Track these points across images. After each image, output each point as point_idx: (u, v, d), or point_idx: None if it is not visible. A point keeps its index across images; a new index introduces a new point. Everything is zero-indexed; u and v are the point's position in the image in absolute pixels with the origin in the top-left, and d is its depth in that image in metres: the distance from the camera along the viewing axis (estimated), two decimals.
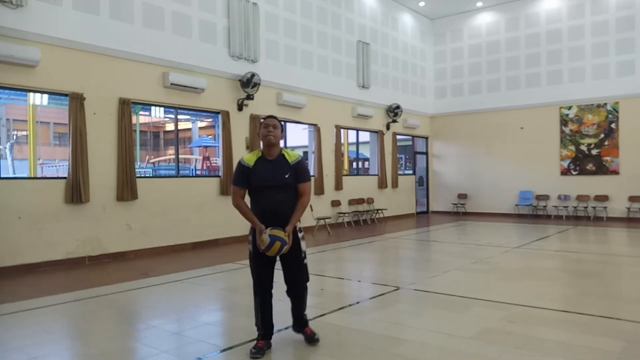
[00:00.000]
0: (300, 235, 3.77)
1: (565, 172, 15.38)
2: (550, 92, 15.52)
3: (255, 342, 3.80)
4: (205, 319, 4.89)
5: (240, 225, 10.77)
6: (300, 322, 3.96)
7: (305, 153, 19.77)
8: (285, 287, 3.88)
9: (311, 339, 3.87)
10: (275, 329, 4.44)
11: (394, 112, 15.43)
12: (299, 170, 3.71)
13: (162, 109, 12.50)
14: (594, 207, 14.67)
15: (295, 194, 3.72)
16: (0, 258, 7.14)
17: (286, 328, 4.40)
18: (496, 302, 5.14)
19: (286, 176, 3.63)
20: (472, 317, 4.64)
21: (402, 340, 4.01)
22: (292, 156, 3.74)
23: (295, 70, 12.20)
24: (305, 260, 3.82)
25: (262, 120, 3.78)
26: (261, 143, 3.73)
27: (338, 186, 13.58)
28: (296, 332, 4.00)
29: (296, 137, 15.41)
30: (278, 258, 3.76)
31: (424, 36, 17.66)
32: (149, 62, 9.06)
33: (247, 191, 3.75)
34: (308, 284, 3.90)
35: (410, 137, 17.68)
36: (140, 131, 17.05)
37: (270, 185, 3.63)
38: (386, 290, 5.88)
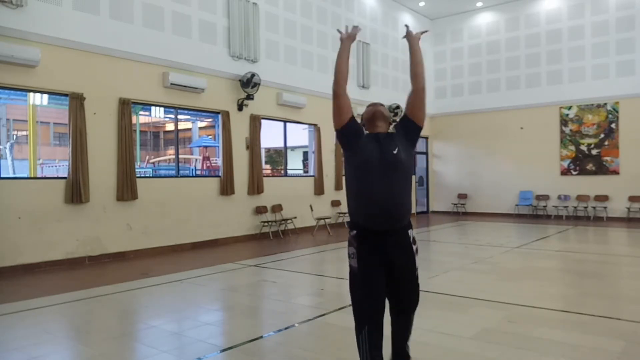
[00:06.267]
0: (415, 247, 2.94)
1: (565, 172, 15.38)
2: (550, 92, 15.52)
3: None
4: (205, 319, 4.89)
5: (240, 225, 10.78)
6: (401, 356, 3.07)
7: (305, 153, 19.76)
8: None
9: None
10: (274, 329, 4.43)
11: (394, 112, 15.42)
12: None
13: (162, 109, 12.50)
14: (594, 207, 14.67)
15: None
16: (0, 258, 7.13)
17: (286, 328, 4.40)
18: (496, 302, 5.14)
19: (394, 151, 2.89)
20: (472, 317, 4.64)
21: None
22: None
23: (295, 70, 12.20)
24: (417, 278, 3.00)
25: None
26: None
27: (338, 186, 13.58)
28: None
29: (296, 137, 15.39)
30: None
31: (424, 36, 17.62)
32: (149, 62, 9.06)
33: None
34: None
35: None
36: (140, 131, 17.05)
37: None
38: None
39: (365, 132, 3.00)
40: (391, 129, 3.04)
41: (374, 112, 2.99)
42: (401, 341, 3.04)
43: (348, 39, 3.02)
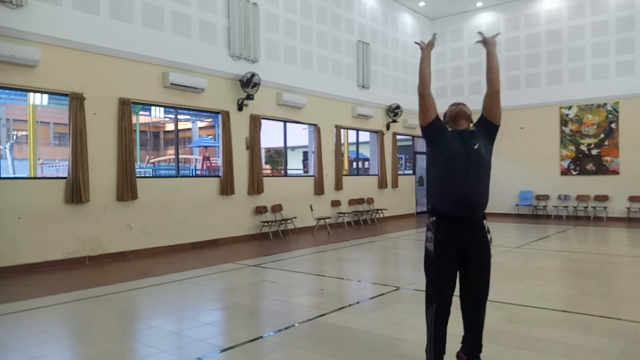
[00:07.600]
0: (489, 236, 3.13)
1: (565, 172, 15.38)
2: (550, 92, 15.52)
3: None
4: (205, 319, 4.89)
5: (240, 225, 10.78)
6: (474, 349, 3.17)
7: (305, 153, 19.77)
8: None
9: None
10: (274, 329, 4.44)
11: (394, 112, 15.43)
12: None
13: (162, 109, 12.53)
14: (594, 207, 14.66)
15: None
16: (0, 258, 7.13)
17: (286, 328, 4.39)
18: (496, 302, 5.13)
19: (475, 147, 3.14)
20: None
21: (402, 340, 4.00)
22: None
23: (295, 70, 12.20)
24: (490, 266, 3.16)
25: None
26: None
27: (338, 186, 13.58)
28: None
29: (296, 137, 15.40)
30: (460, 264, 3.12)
31: (424, 36, 17.63)
32: (149, 62, 9.06)
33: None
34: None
35: (410, 137, 17.67)
36: (140, 131, 17.07)
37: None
38: (386, 290, 5.88)
39: (449, 129, 3.25)
40: (471, 127, 3.29)
41: (458, 111, 3.26)
42: (477, 334, 3.16)
43: (428, 47, 3.36)
